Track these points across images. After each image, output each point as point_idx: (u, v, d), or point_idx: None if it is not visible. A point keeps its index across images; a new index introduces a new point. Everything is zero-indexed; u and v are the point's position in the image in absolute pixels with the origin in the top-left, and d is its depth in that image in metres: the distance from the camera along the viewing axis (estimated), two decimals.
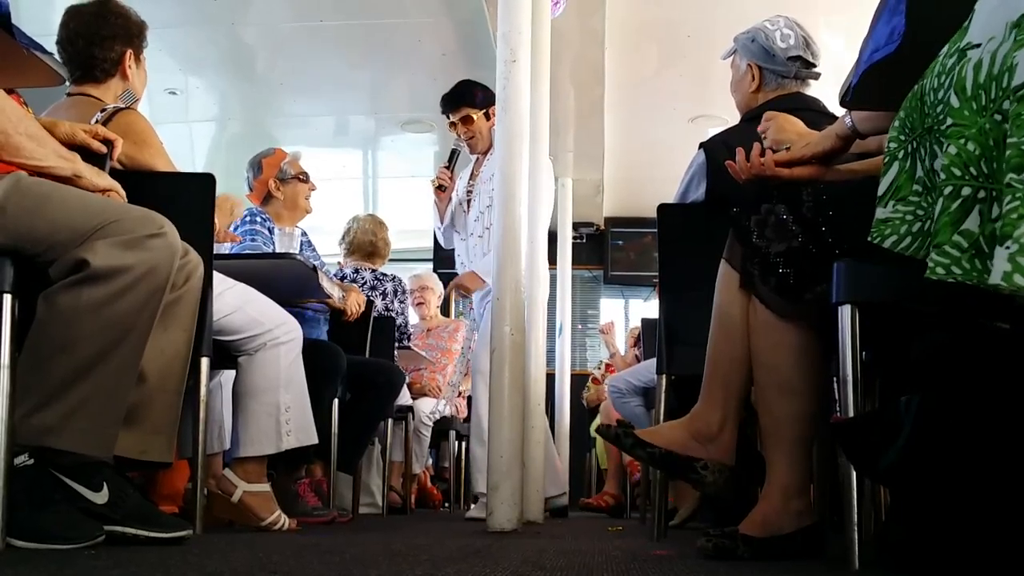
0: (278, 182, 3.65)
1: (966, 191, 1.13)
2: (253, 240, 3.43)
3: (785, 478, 1.76)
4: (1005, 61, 1.10)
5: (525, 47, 2.89)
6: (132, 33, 2.59)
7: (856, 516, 1.53)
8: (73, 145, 1.91)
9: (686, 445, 1.88)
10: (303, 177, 3.70)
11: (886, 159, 1.38)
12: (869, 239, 1.39)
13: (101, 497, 1.71)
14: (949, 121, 1.17)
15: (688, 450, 1.88)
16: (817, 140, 1.88)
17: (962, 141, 1.14)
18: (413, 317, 5.66)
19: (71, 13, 2.57)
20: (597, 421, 6.22)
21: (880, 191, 1.38)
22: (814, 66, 2.55)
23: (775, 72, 2.55)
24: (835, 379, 1.72)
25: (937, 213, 1.15)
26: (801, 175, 1.89)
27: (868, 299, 1.57)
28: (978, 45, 1.18)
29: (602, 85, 5.40)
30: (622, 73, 5.35)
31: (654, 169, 6.38)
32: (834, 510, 1.71)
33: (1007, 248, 1.01)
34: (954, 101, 1.17)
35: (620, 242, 8.09)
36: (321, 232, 5.46)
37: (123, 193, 1.89)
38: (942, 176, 1.15)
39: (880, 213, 1.38)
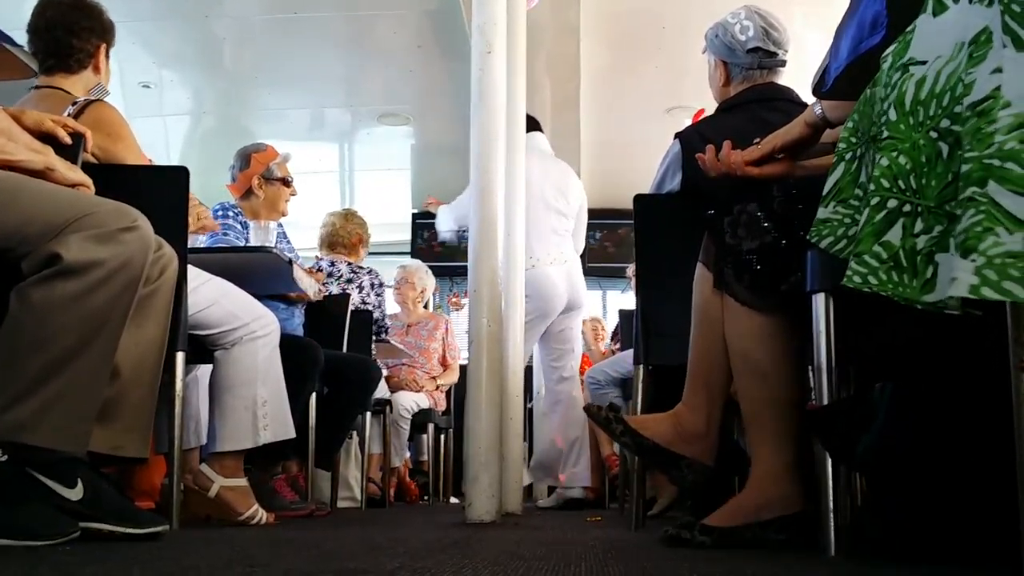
0: (262, 180, 3.63)
1: (892, 203, 1.13)
2: (226, 235, 3.41)
3: (767, 465, 1.76)
4: (949, 80, 1.11)
5: (501, 38, 2.89)
6: (105, 28, 2.63)
7: (832, 504, 1.54)
8: (41, 135, 1.89)
9: (671, 441, 1.89)
10: (287, 181, 3.69)
11: (835, 159, 1.39)
12: (808, 238, 1.40)
13: (76, 494, 1.69)
14: (885, 133, 1.17)
15: (673, 446, 1.89)
16: (786, 129, 1.88)
17: (895, 154, 1.14)
18: (390, 309, 5.63)
19: (46, 2, 2.57)
20: None
21: (824, 191, 1.39)
22: (776, 55, 2.54)
23: (739, 66, 2.55)
24: (810, 367, 1.72)
25: (862, 222, 1.16)
26: (771, 173, 1.89)
27: (841, 287, 1.57)
28: (923, 62, 1.18)
29: (577, 77, 5.41)
30: (597, 65, 5.35)
31: (630, 160, 6.37)
32: (810, 498, 1.72)
33: (972, 261, 0.99)
34: (892, 114, 1.18)
35: (597, 234, 8.09)
36: (296, 227, 5.44)
37: (93, 189, 1.87)
38: (871, 187, 1.16)
39: (821, 213, 1.39)
